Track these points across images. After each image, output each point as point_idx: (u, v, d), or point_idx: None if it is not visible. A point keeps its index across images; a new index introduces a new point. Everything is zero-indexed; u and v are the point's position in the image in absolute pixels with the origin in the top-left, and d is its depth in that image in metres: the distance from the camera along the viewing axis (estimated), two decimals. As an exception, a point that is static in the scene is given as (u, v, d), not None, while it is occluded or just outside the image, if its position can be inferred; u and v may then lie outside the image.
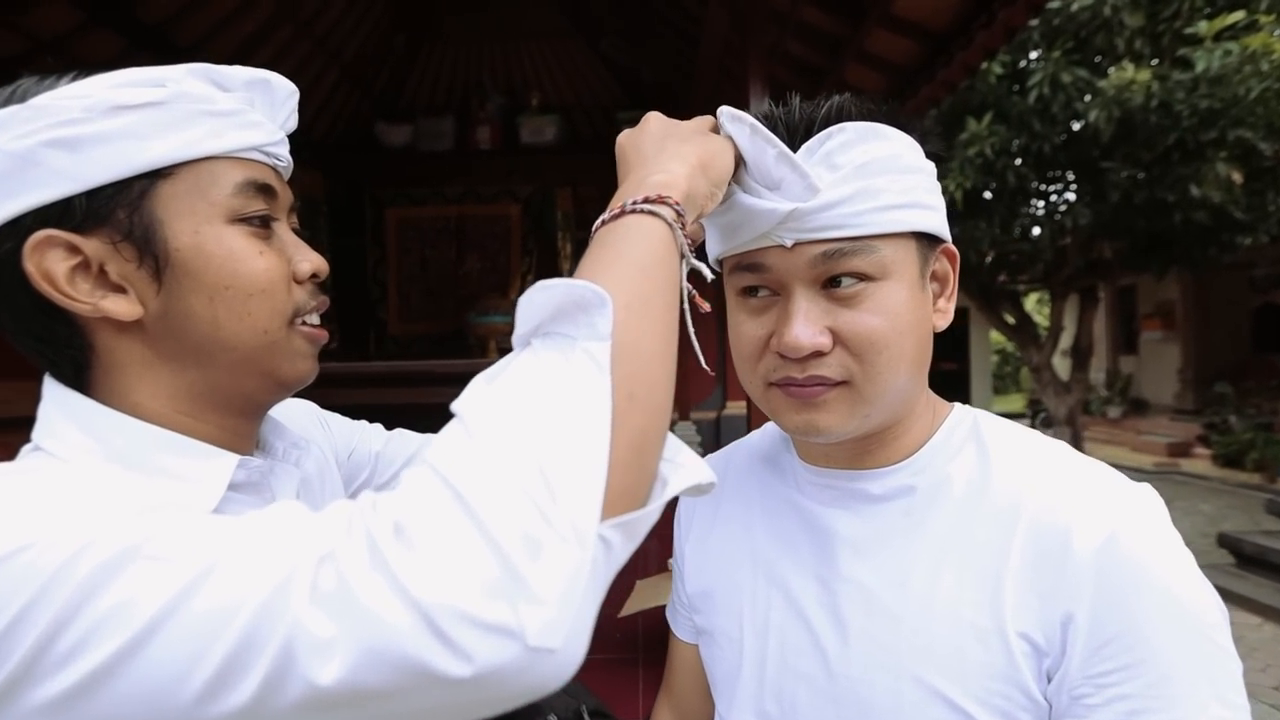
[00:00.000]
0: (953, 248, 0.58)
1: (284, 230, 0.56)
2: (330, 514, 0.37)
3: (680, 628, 0.75)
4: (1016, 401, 18.23)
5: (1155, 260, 7.17)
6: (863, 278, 0.52)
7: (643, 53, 5.50)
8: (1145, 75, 5.46)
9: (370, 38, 5.45)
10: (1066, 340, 9.32)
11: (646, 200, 0.45)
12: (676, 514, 0.74)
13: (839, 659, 0.53)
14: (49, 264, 0.46)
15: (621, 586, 2.14)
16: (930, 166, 0.56)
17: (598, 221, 0.46)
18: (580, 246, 6.45)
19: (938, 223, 0.55)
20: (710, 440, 7.29)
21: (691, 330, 0.54)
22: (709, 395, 7.49)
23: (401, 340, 6.68)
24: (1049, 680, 0.47)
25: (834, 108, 0.54)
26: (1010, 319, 8.94)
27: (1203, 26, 5.43)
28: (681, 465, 0.43)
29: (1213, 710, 0.43)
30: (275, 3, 4.36)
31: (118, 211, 0.48)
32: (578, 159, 6.27)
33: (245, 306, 0.51)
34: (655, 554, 2.29)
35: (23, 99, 0.47)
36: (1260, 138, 5.58)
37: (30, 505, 0.39)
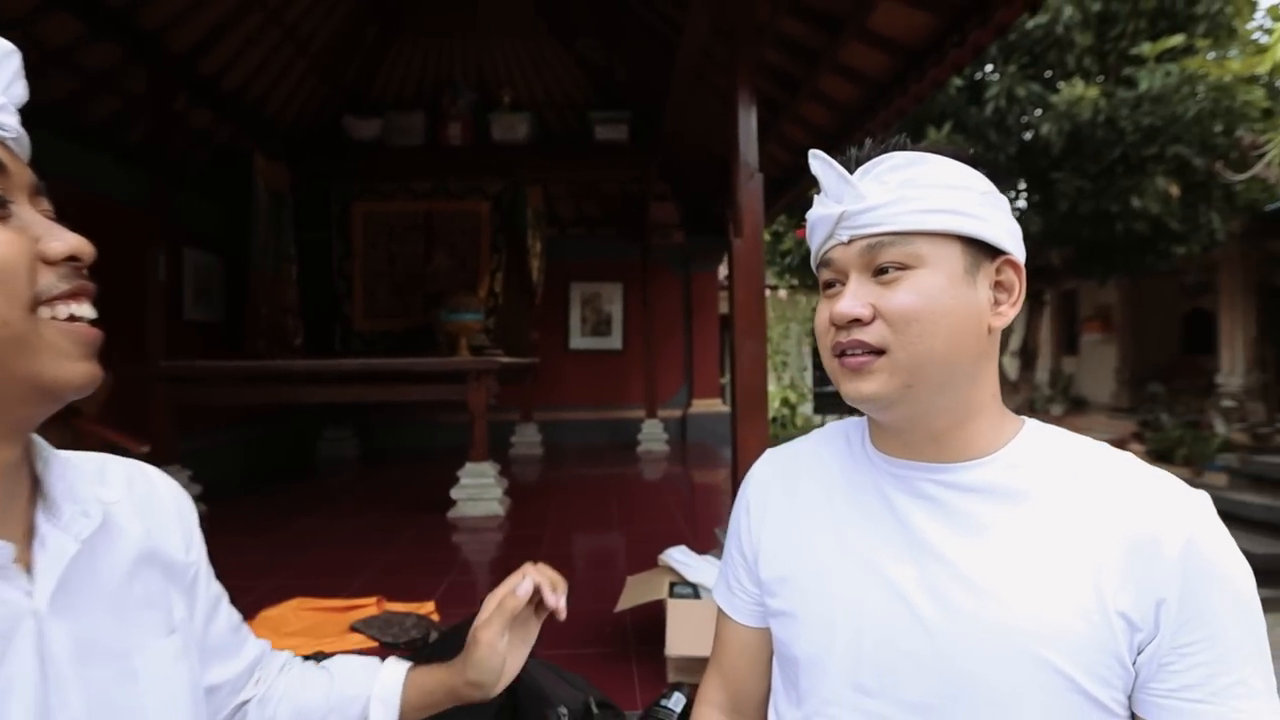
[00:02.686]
0: (1018, 261, 0.65)
1: (25, 210, 0.48)
2: None
3: (739, 612, 0.79)
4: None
5: (1098, 267, 7.54)
6: (902, 266, 0.62)
7: (617, 54, 5.51)
8: (1093, 92, 5.76)
9: (341, 29, 5.33)
10: (1015, 342, 9.74)
11: None
12: (742, 508, 0.79)
13: (944, 635, 0.60)
14: None
15: (614, 584, 2.20)
16: (986, 187, 0.65)
17: None
18: (549, 245, 6.45)
19: (989, 233, 0.63)
20: (676, 436, 7.40)
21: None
22: (675, 394, 7.60)
23: (367, 336, 6.56)
24: (1139, 651, 0.57)
25: (892, 144, 0.66)
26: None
27: (1146, 48, 5.75)
28: None
29: (1260, 666, 0.56)
30: (245, -11, 4.26)
31: None
32: (549, 157, 6.29)
33: None
34: (648, 556, 2.35)
35: None
36: (1195, 154, 5.94)
37: None
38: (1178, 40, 5.71)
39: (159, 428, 3.76)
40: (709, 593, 1.80)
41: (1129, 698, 0.59)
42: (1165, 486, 0.60)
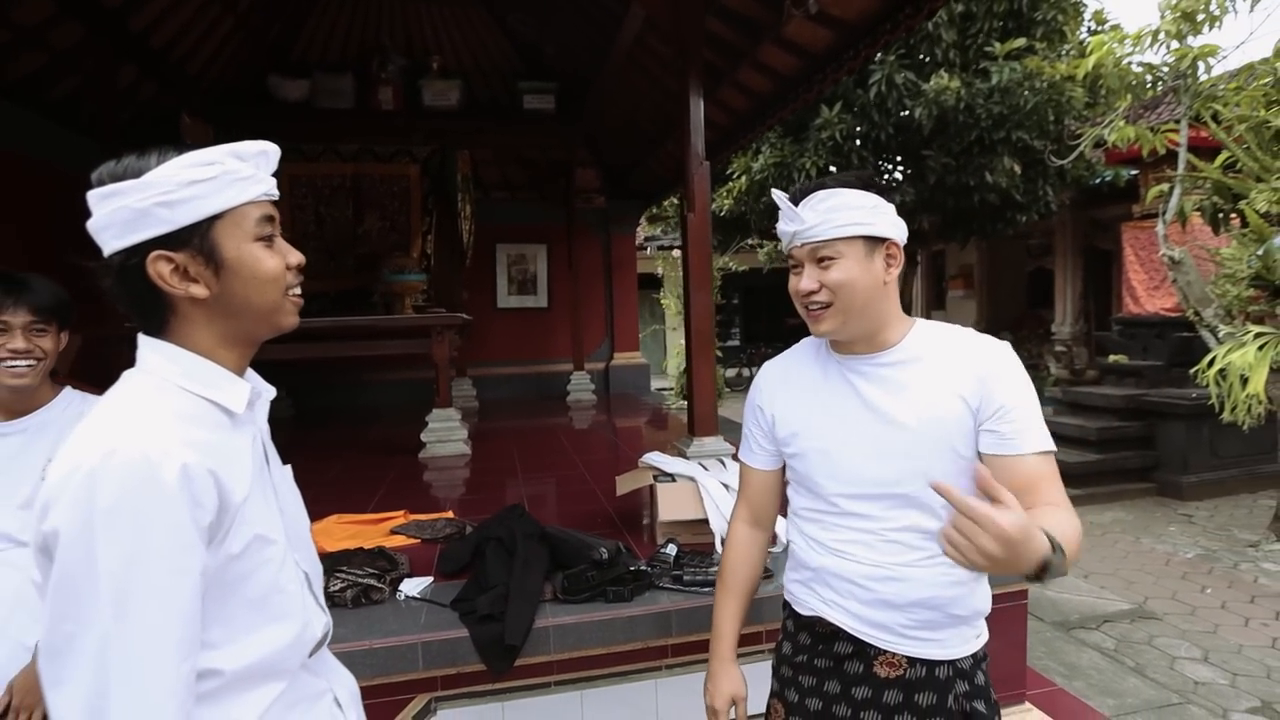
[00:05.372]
0: (897, 242, 1.09)
1: (279, 238, 0.86)
2: None
3: (758, 462, 1.27)
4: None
5: (960, 231, 8.75)
6: (831, 258, 1.07)
7: (548, 31, 5.81)
8: (956, 83, 6.72)
9: (270, -13, 5.30)
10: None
11: None
12: (756, 393, 1.28)
13: (887, 444, 1.08)
14: (159, 268, 0.77)
15: (592, 491, 2.79)
16: (874, 202, 1.07)
17: None
18: (479, 207, 6.74)
19: (878, 231, 1.07)
20: (601, 387, 8.01)
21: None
22: (598, 348, 8.17)
23: (298, 297, 6.57)
24: (978, 417, 1.05)
25: (821, 184, 1.09)
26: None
27: (997, 47, 6.78)
28: None
29: (1034, 406, 1.05)
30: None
31: (194, 239, 0.78)
32: (480, 124, 6.54)
33: (264, 288, 0.83)
34: (608, 474, 2.96)
35: (137, 174, 0.76)
36: (1034, 138, 7.09)
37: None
38: (1021, 42, 6.76)
39: (128, 386, 3.91)
40: (684, 479, 2.43)
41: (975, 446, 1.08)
42: (985, 340, 1.12)
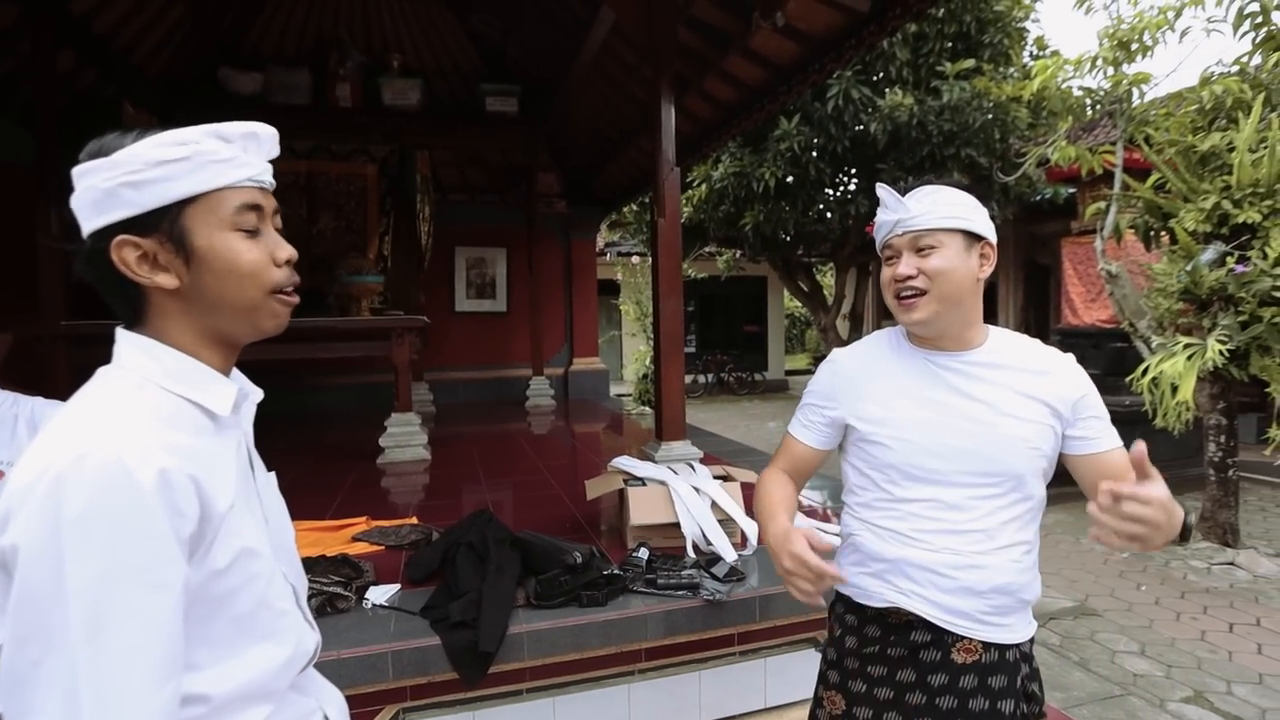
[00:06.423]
0: (991, 243, 1.14)
1: (268, 230, 0.79)
2: None
3: (812, 438, 1.28)
4: (802, 360, 21.07)
5: (910, 244, 9.03)
6: (931, 247, 1.12)
7: (512, 32, 5.77)
8: (909, 100, 6.96)
9: (221, -25, 5.12)
10: (847, 306, 11.30)
11: None
12: (827, 377, 1.28)
13: (974, 438, 1.11)
14: (124, 254, 0.72)
15: (560, 497, 2.77)
16: (975, 202, 1.14)
17: None
18: (438, 209, 6.63)
19: (976, 228, 1.12)
20: (560, 393, 7.96)
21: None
22: (558, 353, 8.12)
23: (247, 298, 6.32)
24: (1064, 425, 1.12)
25: (927, 181, 1.16)
26: (804, 286, 10.64)
27: (948, 66, 7.05)
28: None
29: (1103, 411, 1.15)
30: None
31: (163, 224, 0.72)
32: (441, 125, 6.42)
33: (240, 283, 0.76)
34: (575, 480, 2.94)
35: (107, 153, 0.71)
36: (981, 155, 7.40)
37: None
38: (970, 63, 7.06)
39: (63, 388, 3.71)
40: (655, 483, 2.44)
41: (1059, 444, 1.15)
42: (1059, 353, 1.19)
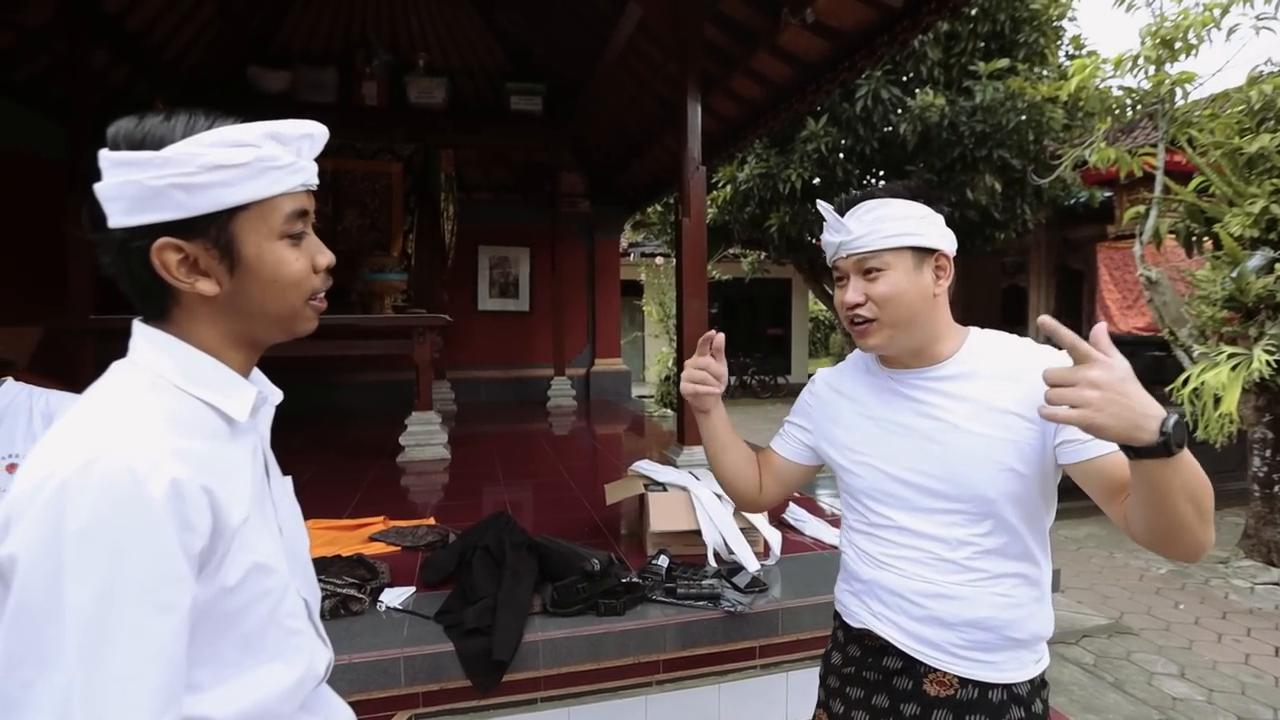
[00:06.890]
0: (946, 255, 1.06)
1: (310, 234, 0.76)
2: None
3: (783, 451, 1.27)
4: (825, 364, 20.80)
5: (939, 247, 8.85)
6: (878, 270, 1.04)
7: (539, 31, 5.75)
8: (940, 100, 6.81)
9: (252, -25, 5.17)
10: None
11: None
12: (808, 395, 1.26)
13: (942, 457, 1.03)
14: (165, 257, 0.68)
15: (580, 500, 2.72)
16: (923, 211, 1.04)
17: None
18: (461, 208, 6.64)
19: (926, 241, 1.03)
20: (582, 393, 7.93)
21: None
22: (580, 354, 8.10)
23: (273, 294, 6.38)
24: (1044, 434, 0.97)
25: (868, 193, 1.07)
26: (829, 289, 10.50)
27: (981, 66, 6.88)
28: None
29: None
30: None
31: (210, 229, 0.69)
32: (466, 123, 6.43)
33: (283, 293, 0.73)
34: (595, 483, 2.89)
35: (158, 145, 0.66)
36: (1014, 157, 7.21)
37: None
38: (1004, 63, 6.88)
39: (89, 382, 3.75)
40: (676, 488, 2.38)
41: (1050, 457, 1.00)
42: (1045, 352, 1.04)
